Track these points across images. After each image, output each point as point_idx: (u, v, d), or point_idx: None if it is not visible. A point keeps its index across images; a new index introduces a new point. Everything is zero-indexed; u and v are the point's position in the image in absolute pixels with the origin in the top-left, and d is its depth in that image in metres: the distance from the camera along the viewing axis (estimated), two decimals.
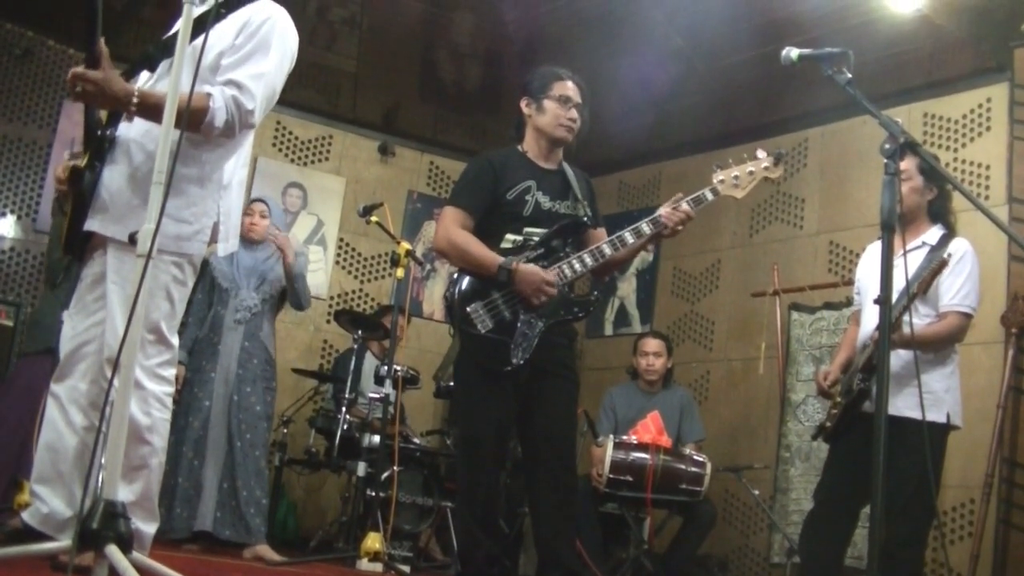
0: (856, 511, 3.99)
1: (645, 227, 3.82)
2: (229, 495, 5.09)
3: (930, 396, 3.73)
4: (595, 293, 4.01)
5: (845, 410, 3.93)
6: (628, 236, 3.81)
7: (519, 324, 3.75)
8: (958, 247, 3.91)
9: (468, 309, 3.76)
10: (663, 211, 3.82)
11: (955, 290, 3.87)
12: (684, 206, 3.81)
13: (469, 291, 3.79)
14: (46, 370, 4.76)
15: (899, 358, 3.76)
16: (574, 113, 3.95)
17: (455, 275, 3.88)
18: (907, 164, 3.87)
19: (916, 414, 3.56)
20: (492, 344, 3.73)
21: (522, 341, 3.74)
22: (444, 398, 6.89)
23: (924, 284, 3.72)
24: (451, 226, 3.85)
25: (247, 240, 5.28)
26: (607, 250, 3.81)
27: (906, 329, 3.59)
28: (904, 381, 3.75)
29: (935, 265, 3.71)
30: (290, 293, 5.43)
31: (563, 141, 4.00)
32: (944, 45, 5.91)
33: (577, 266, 3.81)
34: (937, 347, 3.88)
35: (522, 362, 3.73)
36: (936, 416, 3.77)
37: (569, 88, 3.97)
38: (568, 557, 3.77)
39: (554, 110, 3.94)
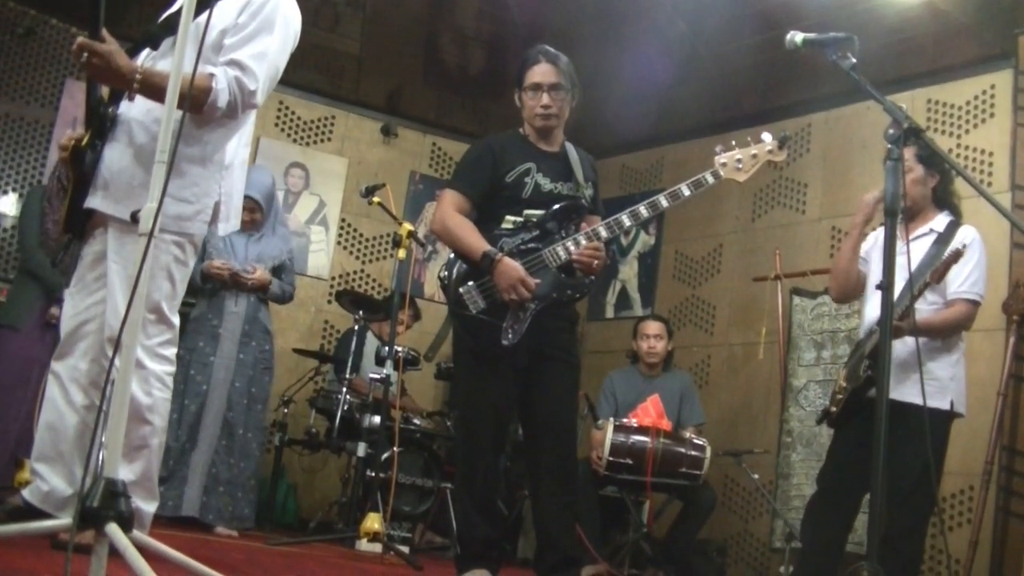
0: (859, 497, 3.97)
1: (643, 211, 3.79)
2: (216, 480, 5.09)
3: (935, 383, 3.73)
4: (590, 276, 3.90)
5: (851, 396, 3.91)
6: (625, 219, 3.76)
7: (511, 305, 3.71)
8: (967, 235, 3.89)
9: (461, 290, 3.74)
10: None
11: (963, 278, 3.85)
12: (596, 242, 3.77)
13: (464, 272, 3.77)
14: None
15: (906, 345, 3.72)
16: (546, 99, 3.85)
17: (451, 256, 3.86)
18: (905, 154, 3.84)
19: (921, 401, 3.55)
20: (483, 326, 3.71)
21: (513, 322, 3.70)
22: (445, 379, 6.89)
23: (938, 274, 3.70)
24: (448, 209, 3.83)
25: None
26: (603, 232, 3.76)
27: (917, 316, 3.59)
28: (910, 368, 3.71)
29: (950, 256, 3.68)
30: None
31: (545, 129, 3.93)
32: (948, 32, 5.89)
33: (572, 247, 3.76)
34: (946, 334, 3.87)
35: (513, 343, 3.70)
36: (940, 403, 3.76)
37: (537, 73, 3.88)
38: (567, 541, 3.77)
39: (527, 102, 3.91)
